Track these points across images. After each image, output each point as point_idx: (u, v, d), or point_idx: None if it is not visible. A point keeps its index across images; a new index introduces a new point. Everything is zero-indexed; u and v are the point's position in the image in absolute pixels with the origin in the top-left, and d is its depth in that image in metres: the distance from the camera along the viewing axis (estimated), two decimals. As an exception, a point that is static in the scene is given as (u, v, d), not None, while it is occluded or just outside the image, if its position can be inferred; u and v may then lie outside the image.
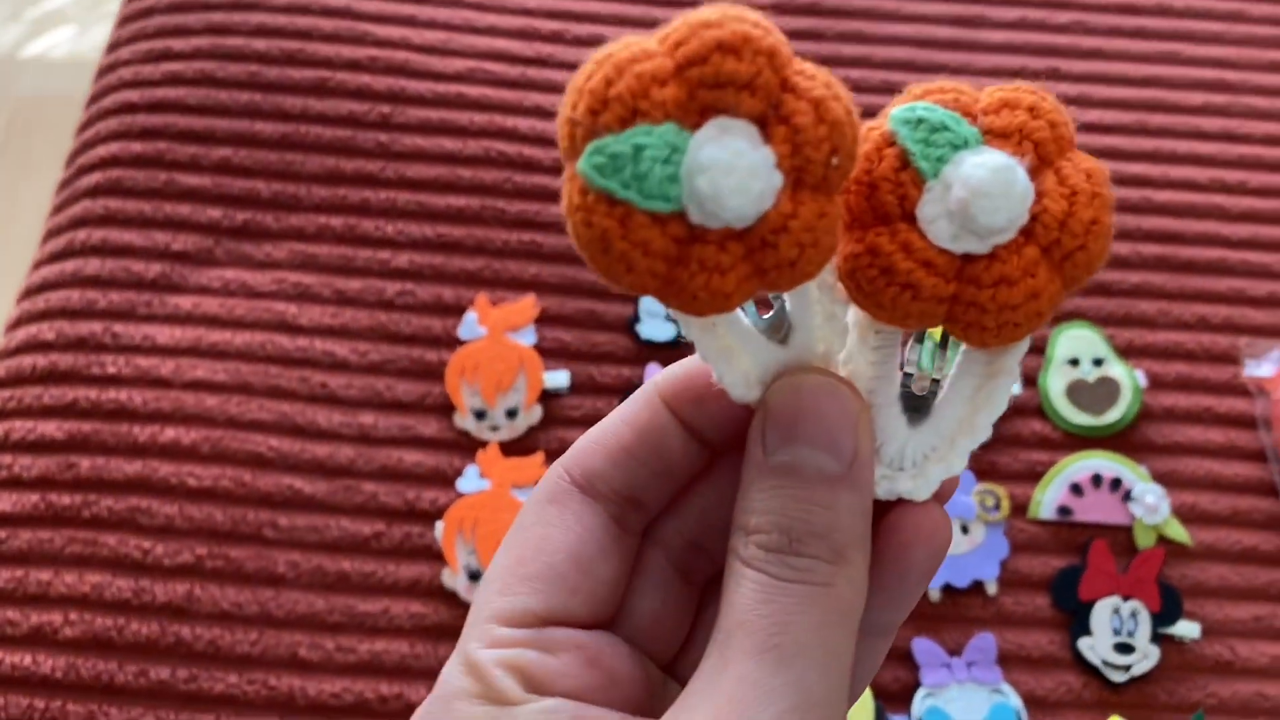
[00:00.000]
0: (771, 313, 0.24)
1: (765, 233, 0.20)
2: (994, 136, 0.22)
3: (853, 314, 0.24)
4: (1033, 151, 0.22)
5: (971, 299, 0.22)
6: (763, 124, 0.20)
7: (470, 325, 0.62)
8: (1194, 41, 0.73)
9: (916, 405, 0.25)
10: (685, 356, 0.26)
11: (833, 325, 0.24)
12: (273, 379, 0.60)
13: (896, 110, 0.23)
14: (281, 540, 0.56)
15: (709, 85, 0.20)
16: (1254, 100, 0.71)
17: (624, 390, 0.61)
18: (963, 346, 0.24)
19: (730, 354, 0.23)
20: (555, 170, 0.66)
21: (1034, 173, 0.22)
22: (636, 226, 0.20)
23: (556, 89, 0.69)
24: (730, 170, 0.20)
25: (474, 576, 0.56)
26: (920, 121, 0.22)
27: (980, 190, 0.21)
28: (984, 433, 0.24)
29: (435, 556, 0.56)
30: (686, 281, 0.21)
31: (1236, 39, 0.73)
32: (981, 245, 0.22)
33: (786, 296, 0.23)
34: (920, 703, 0.53)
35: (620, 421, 0.26)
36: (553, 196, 0.66)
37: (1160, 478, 0.59)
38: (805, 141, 0.20)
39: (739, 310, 0.23)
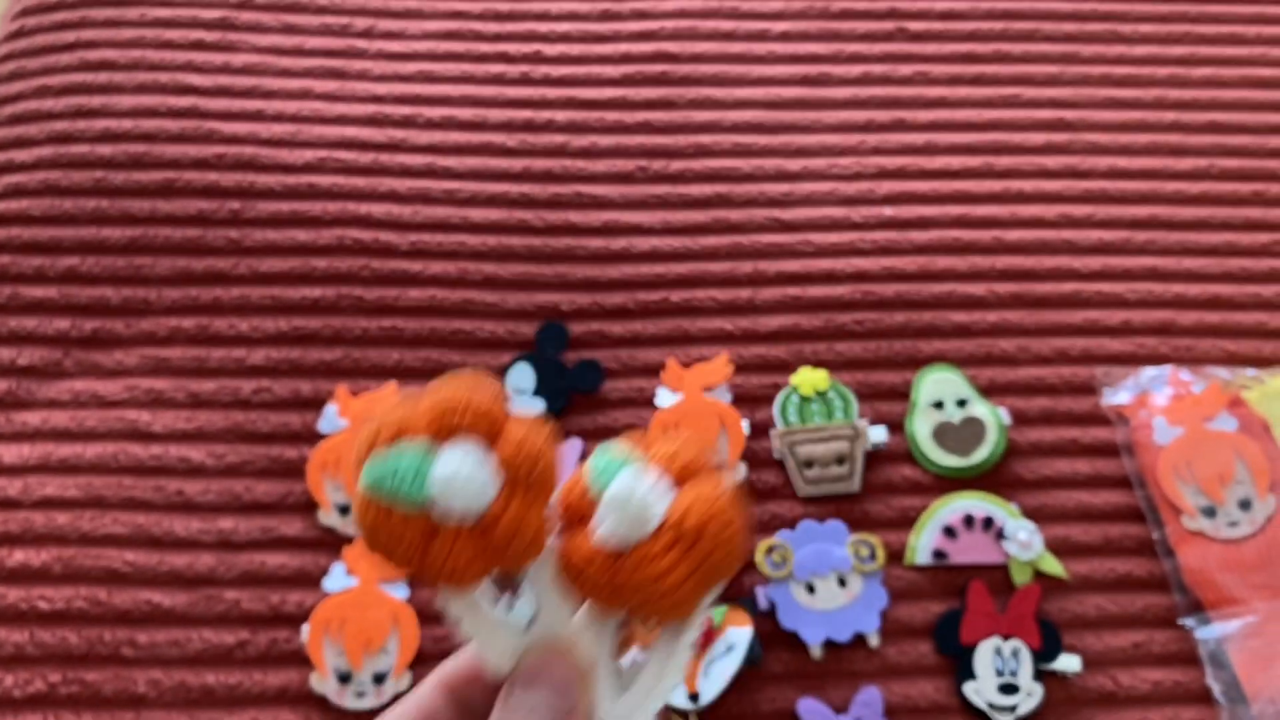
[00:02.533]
0: (520, 599, 0.30)
1: (487, 523, 0.28)
2: (653, 463, 0.30)
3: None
4: (672, 474, 0.30)
5: (622, 584, 0.29)
6: (489, 447, 0.28)
7: (330, 418, 0.60)
8: (1032, 85, 0.75)
9: (623, 675, 0.31)
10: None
11: (565, 610, 0.30)
12: (127, 490, 0.58)
13: (592, 457, 0.31)
14: (141, 658, 0.54)
15: (449, 425, 0.28)
16: (1093, 136, 0.73)
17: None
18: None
19: (489, 632, 0.29)
20: (412, 254, 0.66)
21: (675, 486, 0.29)
22: (395, 522, 0.28)
23: (410, 173, 0.69)
24: (458, 481, 0.27)
25: (344, 679, 0.54)
26: (599, 458, 0.30)
27: (611, 500, 0.29)
28: (667, 696, 0.30)
29: (303, 661, 0.54)
30: (434, 563, 0.28)
31: (1072, 80, 0.76)
32: (624, 545, 0.29)
33: (530, 585, 0.30)
34: (809, 765, 0.53)
35: (403, 712, 0.30)
36: (412, 280, 0.65)
37: (1031, 513, 0.59)
38: (513, 461, 0.28)
39: (500, 598, 0.30)
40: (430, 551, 0.28)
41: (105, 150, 0.68)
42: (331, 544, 0.58)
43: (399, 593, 0.56)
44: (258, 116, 0.70)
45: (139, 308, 0.64)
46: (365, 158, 0.69)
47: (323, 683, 0.54)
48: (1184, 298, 0.67)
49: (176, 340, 0.63)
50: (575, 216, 0.68)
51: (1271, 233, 0.70)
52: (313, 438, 0.60)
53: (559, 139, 0.71)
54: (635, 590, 0.29)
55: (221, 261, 0.65)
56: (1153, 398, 0.61)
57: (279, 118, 0.71)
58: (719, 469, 0.31)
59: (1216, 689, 0.54)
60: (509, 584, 0.30)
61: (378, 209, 0.67)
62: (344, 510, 0.58)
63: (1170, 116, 0.74)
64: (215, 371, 0.62)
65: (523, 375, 0.63)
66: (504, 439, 0.28)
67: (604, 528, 0.29)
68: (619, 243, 0.68)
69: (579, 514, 0.30)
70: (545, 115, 0.72)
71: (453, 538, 0.28)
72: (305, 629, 0.54)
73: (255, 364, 0.62)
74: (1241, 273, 0.69)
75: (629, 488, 0.29)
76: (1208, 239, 0.70)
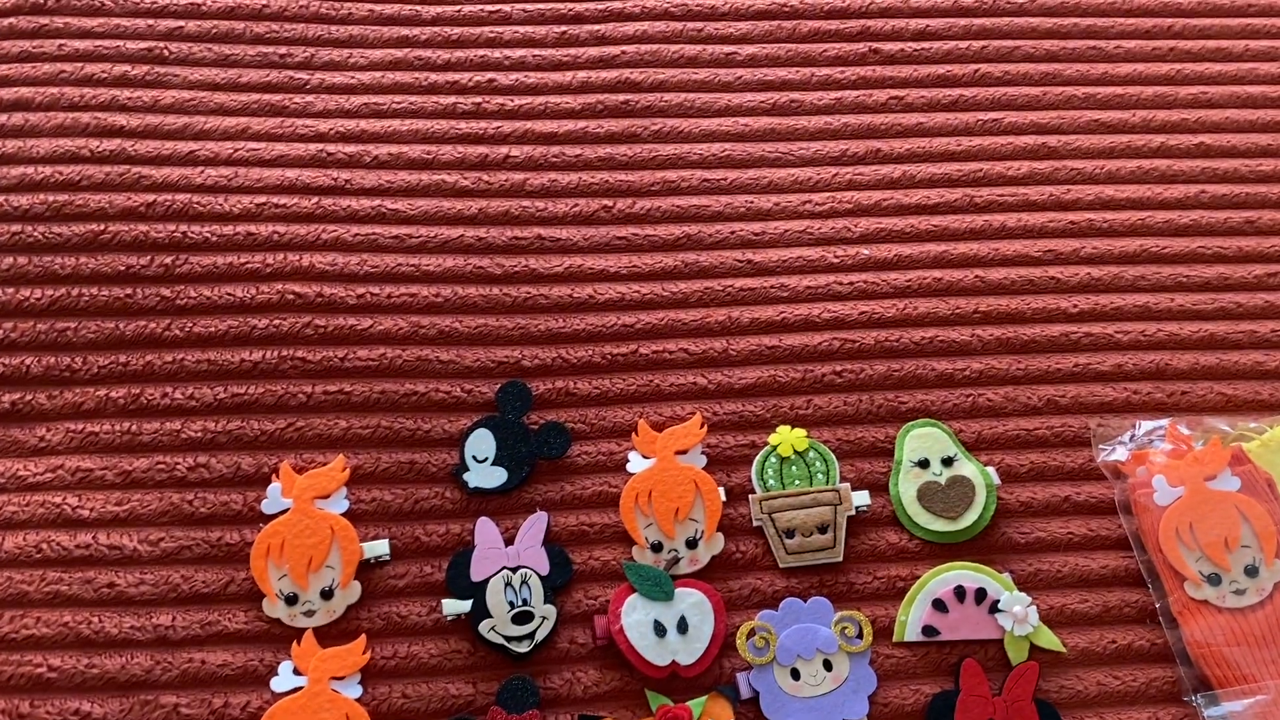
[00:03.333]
0: None
1: None
2: None
3: None
4: None
5: None
6: None
7: (274, 497, 0.56)
8: (1013, 108, 0.72)
9: None
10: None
11: None
12: (52, 585, 0.53)
13: None
14: (69, 776, 0.50)
15: None
16: (1078, 164, 0.70)
17: (453, 549, 0.56)
18: None
19: None
20: (360, 308, 0.61)
21: None
22: None
23: (357, 218, 0.64)
24: None
25: (294, 791, 0.49)
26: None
27: None
28: None
29: (250, 771, 0.50)
30: None
31: (1054, 102, 0.72)
32: None
33: None
34: None
35: None
36: (360, 338, 0.61)
37: (1025, 581, 0.56)
38: None
39: None
40: None
41: (22, 200, 0.63)
42: (279, 638, 0.53)
43: (351, 691, 0.52)
44: (190, 160, 0.65)
45: (63, 377, 0.59)
46: (307, 202, 0.65)
47: (271, 798, 0.49)
48: (1177, 337, 0.64)
49: (105, 412, 0.58)
50: (535, 262, 0.64)
51: (1266, 264, 0.67)
52: (256, 519, 0.56)
53: (516, 176, 0.67)
54: None
55: (153, 323, 0.60)
56: (1151, 454, 0.58)
57: (214, 160, 0.65)
58: None
59: (1225, 771, 0.52)
60: None
61: (321, 259, 0.63)
62: (290, 600, 0.54)
63: (1158, 140, 0.71)
64: (148, 447, 0.57)
65: (482, 442, 0.58)
66: None
67: None
68: (583, 290, 0.63)
69: None
70: (501, 150, 0.68)
71: None
72: (251, 739, 0.50)
73: (191, 436, 0.58)
74: (1236, 309, 0.66)
75: None
76: (1200, 273, 0.67)
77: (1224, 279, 0.67)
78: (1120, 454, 0.58)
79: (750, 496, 0.58)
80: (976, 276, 0.65)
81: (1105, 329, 0.64)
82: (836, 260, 0.65)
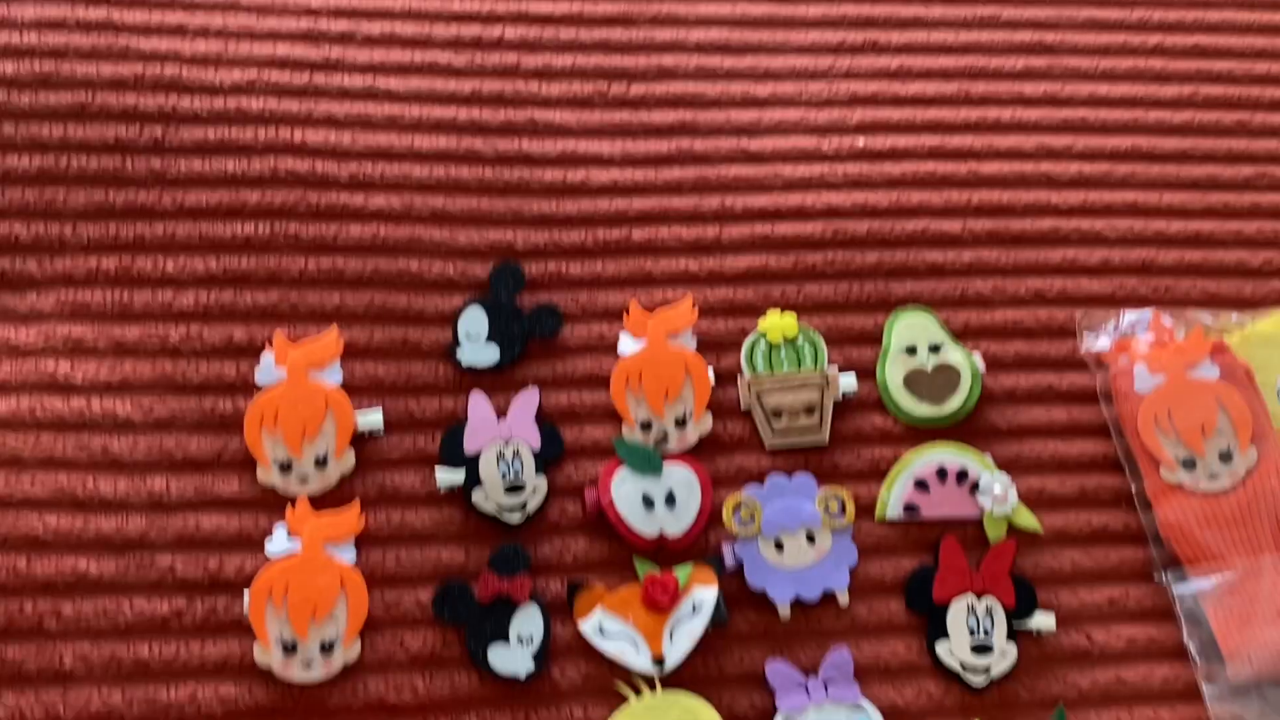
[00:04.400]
0: None
1: None
2: None
3: None
4: None
5: None
6: None
7: (268, 368, 0.56)
8: (1011, 4, 0.71)
9: None
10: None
11: None
12: (45, 448, 0.54)
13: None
14: (67, 631, 0.51)
15: None
16: (1074, 61, 0.70)
17: (446, 423, 0.56)
18: None
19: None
20: (353, 186, 0.61)
21: None
22: None
23: (349, 95, 0.64)
24: None
25: (289, 649, 0.51)
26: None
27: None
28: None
29: (245, 630, 0.51)
30: None
31: (1053, -1, 0.71)
32: None
33: None
34: (778, 731, 0.51)
35: None
36: (353, 215, 0.61)
37: (1005, 464, 0.57)
38: None
39: None
40: None
41: (8, 68, 0.62)
42: (272, 504, 0.54)
43: (346, 555, 0.53)
44: (179, 31, 0.64)
45: (53, 246, 0.58)
46: (299, 78, 0.64)
47: (266, 654, 0.51)
48: (1164, 235, 0.65)
49: (96, 281, 0.58)
50: (529, 145, 0.64)
51: (1255, 165, 0.68)
52: (249, 389, 0.56)
53: (510, 58, 0.66)
54: None
55: (143, 194, 0.60)
56: (1133, 343, 0.59)
57: (203, 33, 0.64)
58: None
59: (1192, 647, 0.53)
60: None
61: (314, 135, 0.62)
62: (285, 467, 0.54)
63: (1154, 39, 0.71)
64: (140, 316, 0.57)
65: (475, 320, 0.59)
66: None
67: None
68: (577, 174, 0.63)
69: None
70: (495, 31, 0.67)
71: None
72: (246, 596, 0.51)
73: (184, 308, 0.58)
74: (1224, 208, 0.66)
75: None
76: (1190, 172, 0.67)
77: (1213, 179, 0.67)
78: (1103, 343, 0.59)
79: (739, 379, 0.59)
80: (970, 170, 0.66)
81: (1094, 224, 0.65)
82: (831, 151, 0.65)
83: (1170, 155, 0.67)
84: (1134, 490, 0.57)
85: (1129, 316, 0.60)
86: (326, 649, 0.51)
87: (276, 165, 0.61)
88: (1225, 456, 0.56)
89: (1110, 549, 0.56)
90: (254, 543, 0.53)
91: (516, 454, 0.55)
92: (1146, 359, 0.58)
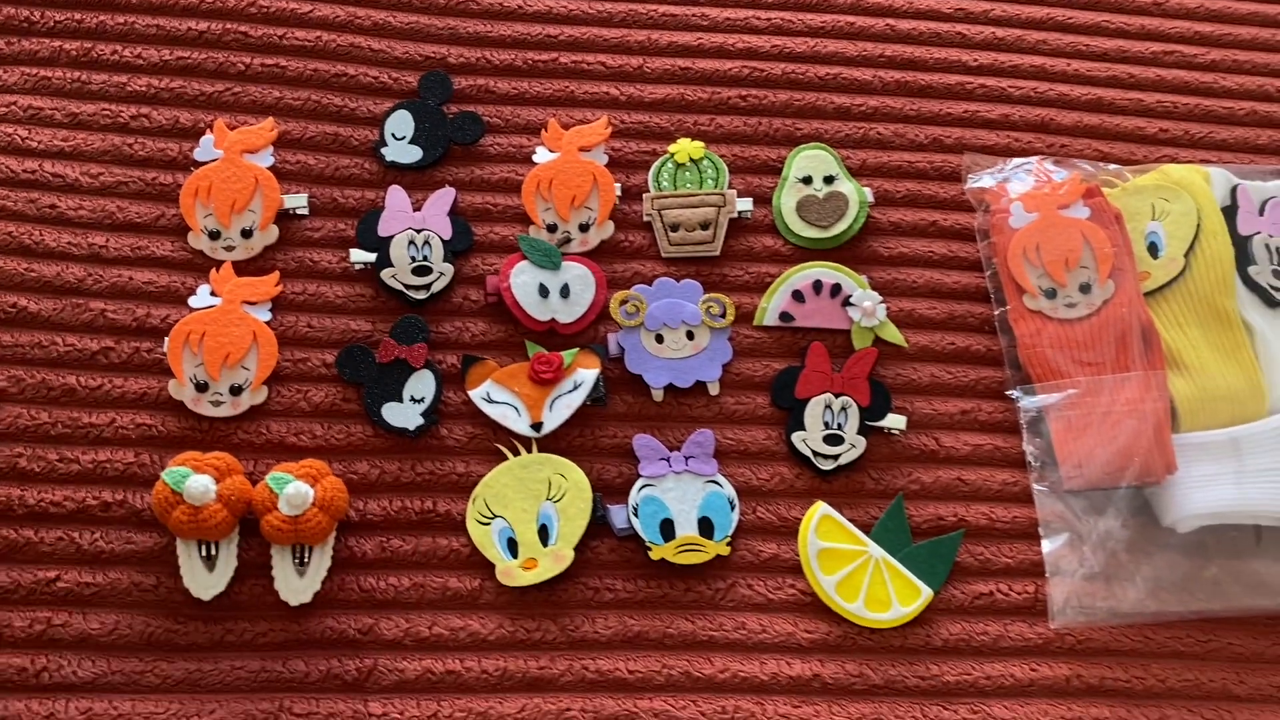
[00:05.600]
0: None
1: (204, 514, 0.51)
2: (298, 476, 0.52)
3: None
4: (312, 478, 0.53)
5: (299, 533, 0.52)
6: (219, 476, 0.52)
7: (206, 147, 0.61)
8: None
9: (304, 567, 0.53)
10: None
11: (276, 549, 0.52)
12: (-1, 201, 0.59)
13: (270, 477, 0.53)
14: (4, 357, 0.56)
15: (200, 468, 0.52)
16: (1003, -65, 0.73)
17: (365, 210, 0.61)
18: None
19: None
20: (303, -4, 0.66)
21: (314, 483, 0.53)
22: (171, 506, 0.51)
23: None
24: (197, 487, 0.51)
25: (200, 388, 0.56)
26: (276, 478, 0.52)
27: (289, 495, 0.52)
28: (323, 573, 0.54)
29: (164, 371, 0.56)
30: (198, 528, 0.51)
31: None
32: (298, 514, 0.52)
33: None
34: (637, 493, 0.56)
35: None
36: (299, 21, 0.65)
37: (882, 287, 0.62)
38: (226, 489, 0.52)
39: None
40: (197, 521, 0.51)
41: None
42: (200, 267, 0.59)
43: (262, 315, 0.58)
44: None
45: (20, 27, 0.63)
46: (262, -104, 0.68)
47: (180, 390, 0.56)
48: (1067, 97, 0.68)
49: (58, 61, 0.63)
50: (472, -27, 0.68)
51: (1164, 43, 0.71)
52: (189, 165, 0.61)
53: (464, -105, 0.70)
54: (305, 535, 0.52)
55: (107, -12, 0.65)
56: (1014, 186, 0.62)
57: None
58: (331, 474, 0.54)
59: (1030, 453, 0.58)
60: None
61: (271, -52, 0.67)
62: (214, 235, 0.59)
63: (1082, -81, 0.74)
64: (96, 95, 0.62)
65: (402, 122, 0.63)
66: (230, 474, 0.53)
67: (286, 508, 0.52)
68: (513, 0, 0.67)
69: (268, 504, 0.52)
70: None
71: (206, 514, 0.51)
72: (167, 341, 0.56)
73: (137, 90, 0.63)
74: (1128, 78, 0.70)
75: (298, 489, 0.52)
76: (1100, 44, 0.71)
77: (1121, 51, 0.70)
78: (986, 182, 0.63)
79: (644, 195, 0.63)
80: (888, 25, 0.69)
81: (999, 83, 0.68)
82: (757, -1, 0.69)
83: (1083, 27, 0.71)
84: (996, 315, 0.61)
85: (1015, 162, 0.64)
86: (235, 391, 0.56)
87: (233, -29, 0.66)
88: (1085, 288, 0.60)
89: (969, 368, 0.61)
90: (180, 298, 0.58)
91: (427, 241, 0.60)
92: (1023, 198, 0.62)
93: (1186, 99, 0.69)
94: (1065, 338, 0.59)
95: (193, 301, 0.58)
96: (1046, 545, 0.56)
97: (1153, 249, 0.61)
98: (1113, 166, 0.64)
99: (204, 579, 0.52)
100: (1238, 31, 0.72)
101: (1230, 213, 0.62)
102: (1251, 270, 0.61)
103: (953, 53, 0.69)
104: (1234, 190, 0.62)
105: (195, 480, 0.51)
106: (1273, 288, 0.60)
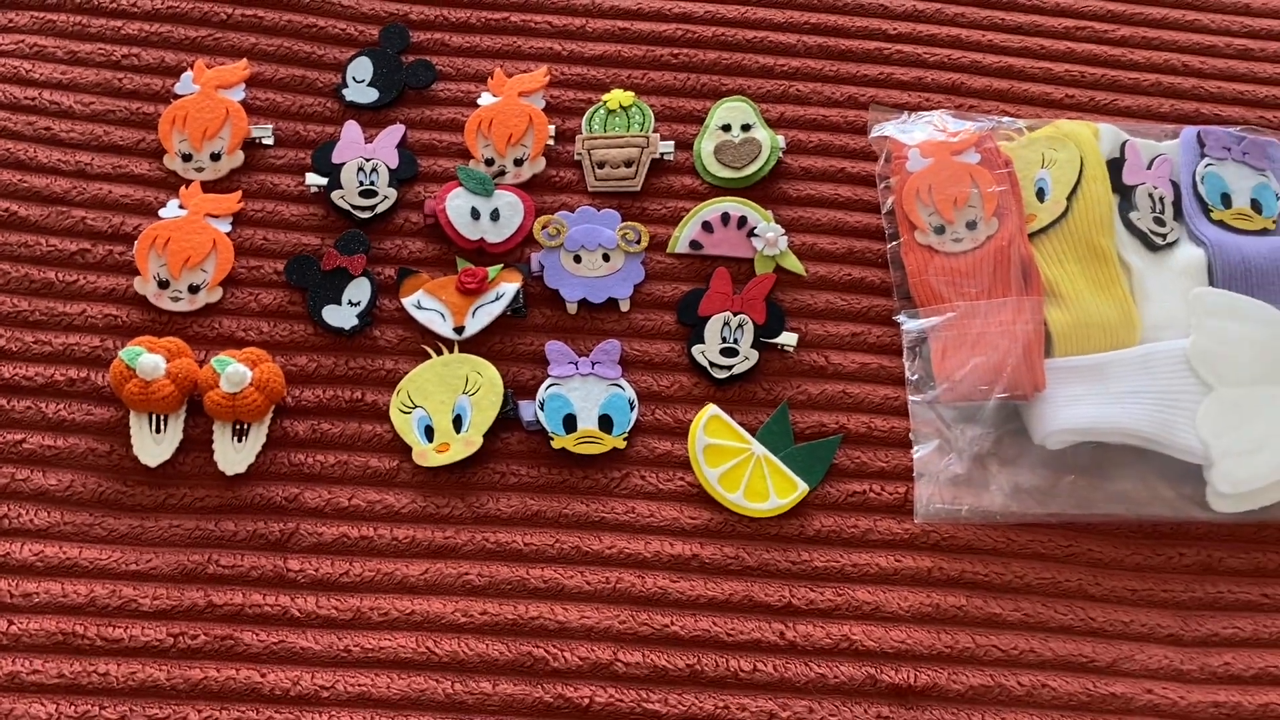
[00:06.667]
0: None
1: (154, 388, 0.59)
2: (240, 361, 0.60)
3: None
4: (252, 361, 0.59)
5: (238, 409, 0.58)
6: (169, 357, 0.59)
7: (186, 82, 0.69)
8: None
9: (243, 439, 0.60)
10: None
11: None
12: (1, 121, 0.67)
13: (215, 361, 0.60)
14: (-6, 253, 0.63)
15: (153, 349, 0.59)
16: (932, -79, 0.79)
17: (322, 142, 0.68)
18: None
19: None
20: (283, -42, 0.73)
21: (253, 367, 0.59)
22: (125, 379, 0.58)
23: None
24: (149, 363, 0.58)
25: (162, 285, 0.63)
26: (220, 361, 0.59)
27: (229, 374, 0.59)
28: (260, 444, 0.60)
29: (133, 272, 0.64)
30: (148, 400, 0.58)
31: None
32: (236, 392, 0.59)
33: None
34: (544, 391, 0.61)
35: None
36: (280, -19, 0.73)
37: (787, 224, 0.67)
38: (174, 368, 0.59)
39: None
40: (145, 395, 0.58)
41: None
42: (173, 185, 0.67)
43: (223, 227, 0.65)
44: None
45: (33, -22, 0.72)
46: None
47: (144, 285, 0.63)
48: (979, 64, 0.74)
49: (65, 8, 0.71)
50: (438, -58, 0.75)
51: (1077, 19, 0.76)
52: (169, 98, 0.69)
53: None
54: (242, 412, 0.58)
55: (111, -54, 0.73)
56: (915, 135, 0.68)
57: None
58: (271, 361, 0.60)
59: (909, 370, 0.63)
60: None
61: (258, -83, 0.74)
62: (186, 158, 0.67)
63: (1007, -93, 0.79)
64: (94, 37, 0.70)
65: (362, 67, 0.70)
66: (179, 355, 0.59)
67: (226, 386, 0.58)
68: (472, -32, 0.75)
69: (211, 383, 0.58)
70: None
71: (152, 387, 0.58)
72: (136, 243, 0.64)
73: (130, 34, 0.71)
74: (1039, 50, 0.75)
75: (237, 369, 0.58)
76: (1014, 18, 0.76)
77: (1035, 25, 0.76)
78: (889, 130, 0.69)
79: (577, 137, 0.69)
80: (814, -3, 0.75)
81: (916, 49, 0.74)
82: (697, -28, 0.76)
83: (999, 3, 0.76)
84: (889, 251, 0.66)
85: (919, 115, 0.69)
86: (194, 290, 0.63)
87: (223, -65, 0.73)
88: (971, 225, 0.65)
89: (862, 296, 0.66)
90: (152, 211, 0.66)
91: (375, 169, 0.67)
92: (920, 145, 0.67)
93: (1094, 70, 0.74)
94: (949, 269, 0.64)
95: (162, 213, 0.65)
96: (917, 451, 0.61)
97: (1040, 194, 0.66)
98: (1008, 119, 0.69)
99: (151, 449, 0.59)
100: (1148, 11, 0.77)
101: (1117, 164, 0.67)
102: (1133, 215, 0.65)
103: (874, 22, 0.75)
104: (1123, 145, 0.67)
105: (147, 358, 0.58)
106: (1153, 232, 0.65)
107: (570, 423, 0.61)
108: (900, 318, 0.64)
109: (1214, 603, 0.59)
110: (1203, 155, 0.68)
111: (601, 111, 0.70)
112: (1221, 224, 0.66)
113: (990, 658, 0.56)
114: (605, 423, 0.61)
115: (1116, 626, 0.58)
